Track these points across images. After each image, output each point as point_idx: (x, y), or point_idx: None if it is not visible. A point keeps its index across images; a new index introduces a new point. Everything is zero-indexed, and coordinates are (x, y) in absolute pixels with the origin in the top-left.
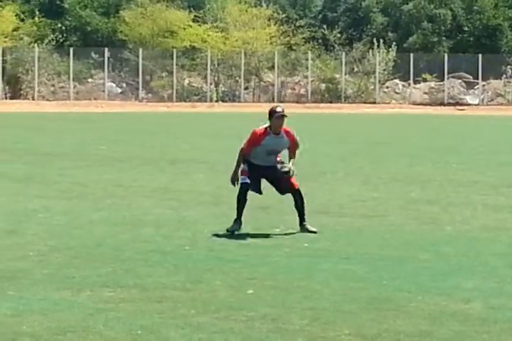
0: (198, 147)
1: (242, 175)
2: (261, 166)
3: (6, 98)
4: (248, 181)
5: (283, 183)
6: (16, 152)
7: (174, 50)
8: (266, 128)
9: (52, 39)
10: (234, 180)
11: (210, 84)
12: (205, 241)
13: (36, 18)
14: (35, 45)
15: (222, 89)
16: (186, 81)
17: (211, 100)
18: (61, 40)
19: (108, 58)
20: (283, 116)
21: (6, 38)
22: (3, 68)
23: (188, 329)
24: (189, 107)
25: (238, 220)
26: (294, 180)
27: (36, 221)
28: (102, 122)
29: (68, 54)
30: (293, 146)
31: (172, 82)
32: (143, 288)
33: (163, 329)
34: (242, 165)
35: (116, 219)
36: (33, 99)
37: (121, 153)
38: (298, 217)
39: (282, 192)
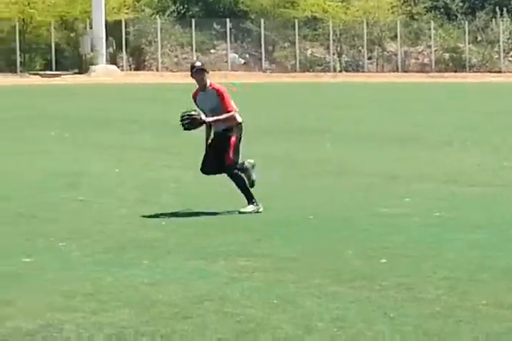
0: (323, 117)
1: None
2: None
3: (130, 69)
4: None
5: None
6: (143, 123)
7: (296, 21)
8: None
9: (174, 10)
10: None
11: (333, 54)
12: (335, 211)
13: None
14: (157, 16)
15: (345, 59)
16: (309, 51)
17: (334, 70)
18: (182, 12)
19: (230, 29)
20: (201, 70)
21: (127, 9)
22: (127, 40)
23: (323, 299)
24: (313, 77)
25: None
26: (228, 156)
27: (167, 190)
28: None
29: (190, 25)
30: (223, 105)
31: (295, 52)
32: (276, 257)
33: (298, 299)
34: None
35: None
36: (157, 70)
37: (247, 123)
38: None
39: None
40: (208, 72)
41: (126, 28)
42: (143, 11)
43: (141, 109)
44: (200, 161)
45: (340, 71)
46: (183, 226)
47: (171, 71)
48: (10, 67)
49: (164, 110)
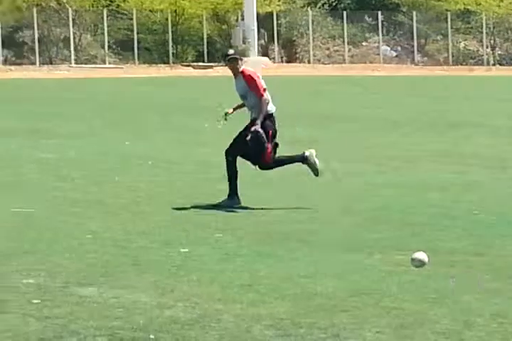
0: (477, 111)
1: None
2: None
3: (282, 61)
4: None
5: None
6: (295, 116)
7: (448, 13)
8: None
9: (325, 3)
10: None
11: (486, 47)
12: (493, 206)
13: None
14: (309, 8)
15: (499, 52)
16: (461, 44)
17: (488, 64)
18: (334, 4)
19: (382, 22)
20: (233, 58)
21: (279, 1)
22: (278, 32)
23: (483, 295)
24: (466, 71)
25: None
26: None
27: (322, 184)
28: (379, 85)
29: (342, 17)
30: (253, 89)
31: (447, 45)
32: (434, 251)
33: (457, 294)
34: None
35: (400, 182)
36: (309, 62)
37: (400, 116)
38: None
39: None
40: (241, 60)
41: (277, 20)
42: (294, 2)
43: (294, 101)
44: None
45: (494, 64)
46: (338, 218)
47: (323, 63)
48: (162, 59)
49: (316, 102)
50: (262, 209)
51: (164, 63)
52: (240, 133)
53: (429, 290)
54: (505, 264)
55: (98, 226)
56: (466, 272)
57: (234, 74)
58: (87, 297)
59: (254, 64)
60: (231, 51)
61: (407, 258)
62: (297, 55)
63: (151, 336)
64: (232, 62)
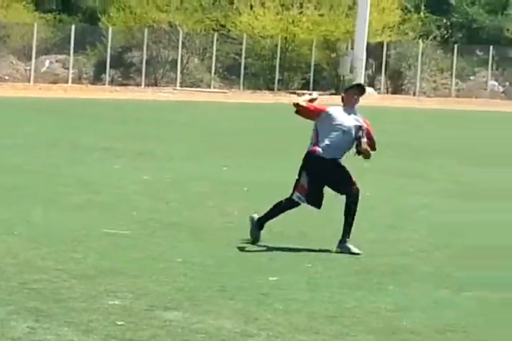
0: None
1: None
2: None
3: (387, 92)
4: None
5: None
6: (396, 147)
7: None
8: None
9: (437, 35)
10: None
11: None
12: None
13: (421, 14)
14: (420, 40)
15: None
16: None
17: None
18: (446, 37)
19: (493, 56)
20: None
21: (391, 31)
22: (387, 62)
23: None
24: None
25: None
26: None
27: (416, 217)
28: (481, 121)
29: (452, 50)
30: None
31: None
32: None
33: None
34: None
35: (497, 222)
36: (414, 94)
37: (494, 151)
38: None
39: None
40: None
41: (387, 50)
42: (406, 34)
43: (395, 133)
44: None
45: None
46: (431, 253)
47: (428, 96)
48: (268, 85)
49: (416, 134)
50: (355, 240)
51: (269, 90)
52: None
53: None
54: None
55: (188, 250)
56: None
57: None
58: (171, 321)
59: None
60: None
61: (498, 296)
62: (403, 87)
63: None
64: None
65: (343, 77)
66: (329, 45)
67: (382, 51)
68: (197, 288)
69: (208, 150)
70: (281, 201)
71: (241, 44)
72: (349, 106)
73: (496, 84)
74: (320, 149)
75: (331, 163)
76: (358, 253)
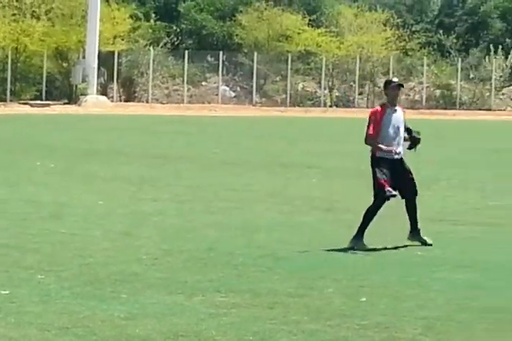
0: (311, 152)
1: (384, 185)
2: (388, 160)
3: (120, 100)
4: (394, 193)
5: (408, 185)
6: (131, 155)
7: (289, 55)
8: (381, 105)
9: (168, 42)
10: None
11: (324, 89)
12: (317, 247)
13: (152, 21)
14: (151, 47)
15: (336, 94)
16: (300, 85)
17: (325, 105)
18: (176, 43)
19: (223, 62)
20: (399, 85)
21: (122, 40)
22: (118, 70)
23: (300, 336)
24: (302, 112)
25: (361, 235)
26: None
27: (150, 224)
28: (216, 126)
29: (183, 57)
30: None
31: (286, 86)
32: (255, 293)
33: (275, 336)
34: (377, 172)
35: (228, 223)
36: (147, 101)
37: (234, 156)
38: (411, 224)
39: (404, 194)
40: (403, 87)
41: (118, 58)
42: (137, 42)
43: (130, 140)
44: None
45: (331, 106)
46: (163, 260)
47: (161, 103)
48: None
49: (153, 141)
50: (90, 249)
51: (1, 101)
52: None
53: (247, 332)
54: (324, 306)
55: None
56: (284, 314)
57: (392, 102)
58: None
59: (95, 102)
60: (396, 79)
61: (228, 300)
62: (136, 94)
63: None
64: (400, 90)
65: (76, 86)
66: (61, 55)
67: (114, 59)
68: None
69: None
70: None
71: None
72: None
73: (228, 89)
74: None
75: None
76: None
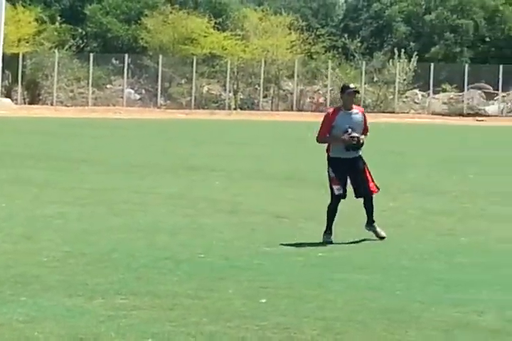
0: (215, 154)
1: (334, 184)
2: (342, 159)
3: (24, 103)
4: (342, 192)
5: (361, 186)
6: (36, 157)
7: (194, 58)
8: (336, 107)
9: (73, 45)
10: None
11: (229, 91)
12: (219, 250)
13: (57, 24)
14: (56, 50)
15: (241, 97)
16: (205, 88)
17: (229, 108)
18: (81, 46)
19: (128, 65)
20: (355, 92)
21: (27, 43)
22: (23, 73)
23: (199, 338)
24: (207, 114)
25: (329, 231)
26: (372, 185)
27: (52, 227)
28: (121, 128)
29: (88, 60)
30: (365, 125)
31: (191, 89)
32: (155, 295)
33: (174, 338)
34: (330, 171)
35: (131, 225)
36: (52, 104)
37: (139, 159)
38: (367, 216)
39: (357, 194)
40: (359, 93)
41: (23, 61)
42: (42, 44)
43: (35, 143)
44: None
45: (235, 109)
46: (64, 262)
47: (66, 105)
48: None
49: (58, 144)
50: None
51: None
52: (355, 170)
53: (147, 334)
54: (223, 307)
55: None
56: (184, 315)
57: (346, 107)
58: None
59: None
60: (353, 85)
61: (128, 303)
62: (40, 97)
63: None
64: (355, 96)
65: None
66: None
67: (18, 62)
68: None
69: None
70: None
71: None
72: None
73: (133, 92)
74: None
75: None
76: None
